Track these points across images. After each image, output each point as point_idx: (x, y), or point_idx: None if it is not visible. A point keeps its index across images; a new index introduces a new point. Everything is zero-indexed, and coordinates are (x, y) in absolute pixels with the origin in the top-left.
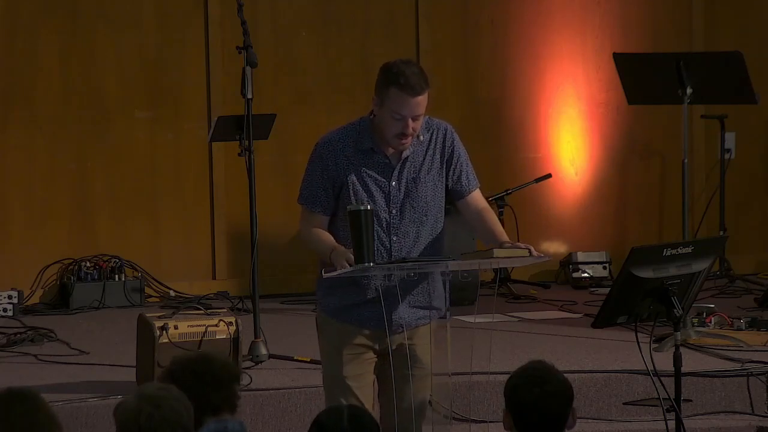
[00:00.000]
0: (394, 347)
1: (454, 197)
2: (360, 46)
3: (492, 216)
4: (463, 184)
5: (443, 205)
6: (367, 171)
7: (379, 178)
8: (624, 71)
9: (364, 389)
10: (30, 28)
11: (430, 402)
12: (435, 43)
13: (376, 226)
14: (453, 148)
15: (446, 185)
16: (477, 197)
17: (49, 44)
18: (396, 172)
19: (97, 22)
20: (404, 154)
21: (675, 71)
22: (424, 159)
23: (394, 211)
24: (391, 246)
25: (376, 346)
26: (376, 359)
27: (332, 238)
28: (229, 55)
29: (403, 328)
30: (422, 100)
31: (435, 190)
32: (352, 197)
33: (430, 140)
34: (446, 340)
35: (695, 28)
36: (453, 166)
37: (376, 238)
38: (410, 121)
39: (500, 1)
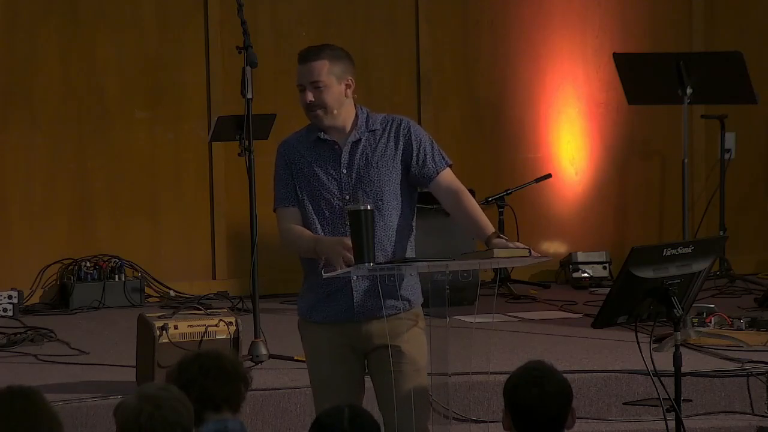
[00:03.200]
0: (373, 347)
1: (424, 182)
2: (360, 46)
3: (470, 200)
4: (429, 165)
5: (400, 195)
6: (318, 161)
7: (329, 166)
8: (624, 71)
9: (352, 388)
10: (30, 28)
11: (430, 403)
12: (435, 43)
13: (329, 214)
14: (410, 134)
15: (412, 174)
16: (448, 176)
17: (49, 44)
18: (344, 159)
19: (97, 22)
20: (351, 138)
21: (675, 71)
22: (376, 146)
23: (347, 197)
24: (347, 233)
25: (357, 344)
26: (363, 359)
27: (310, 232)
28: (229, 55)
29: (364, 315)
30: (315, 66)
31: (389, 176)
32: (305, 188)
33: (383, 131)
34: (446, 340)
35: (695, 28)
36: (416, 152)
37: (331, 226)
38: (308, 90)
39: (500, 1)
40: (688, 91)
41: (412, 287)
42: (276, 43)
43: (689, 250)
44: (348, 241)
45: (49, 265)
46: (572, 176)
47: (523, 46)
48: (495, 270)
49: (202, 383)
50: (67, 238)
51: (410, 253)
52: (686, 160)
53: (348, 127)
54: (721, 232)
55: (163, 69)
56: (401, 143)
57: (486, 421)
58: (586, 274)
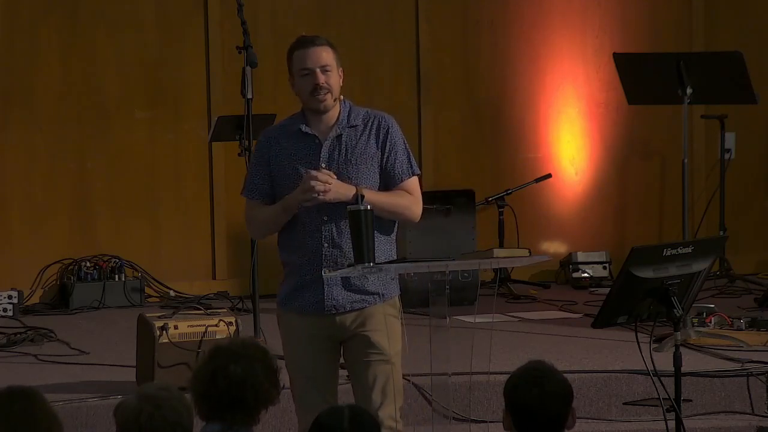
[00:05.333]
0: (346, 336)
1: (388, 185)
2: (360, 46)
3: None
4: (397, 171)
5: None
6: (297, 154)
7: (309, 159)
8: (624, 71)
9: (326, 376)
10: (30, 28)
11: (430, 403)
12: (435, 43)
13: (305, 207)
14: (388, 134)
15: (382, 172)
16: (408, 186)
17: (49, 44)
18: (324, 153)
19: (97, 22)
20: (332, 133)
21: (675, 71)
22: (357, 142)
23: None
24: (322, 226)
25: (331, 334)
26: (336, 349)
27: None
28: (229, 55)
29: (336, 309)
30: (323, 51)
31: (367, 174)
32: (283, 180)
33: (365, 127)
34: (446, 340)
35: (695, 28)
36: (387, 153)
37: (307, 221)
38: (318, 72)
39: (500, 1)
40: (688, 91)
41: (384, 281)
42: (276, 43)
43: (689, 250)
44: (312, 171)
45: (49, 265)
46: (572, 176)
47: (523, 46)
48: (495, 270)
49: (256, 374)
50: (67, 238)
51: (390, 249)
52: (686, 160)
53: (332, 121)
54: (721, 232)
55: (163, 69)
56: (380, 141)
57: (486, 421)
58: (586, 274)
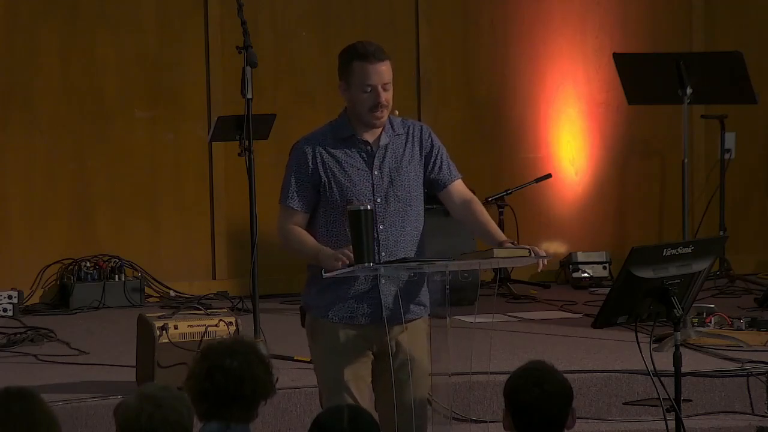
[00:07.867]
0: (385, 347)
1: (435, 189)
2: None
3: (481, 209)
4: (444, 173)
5: (423, 199)
6: (349, 161)
7: (362, 167)
8: (624, 71)
9: (363, 391)
10: (30, 28)
11: (430, 402)
12: (435, 43)
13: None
14: (431, 141)
15: (427, 178)
16: (460, 187)
17: (49, 44)
18: (377, 161)
19: (97, 22)
20: (382, 141)
21: (675, 71)
22: (404, 150)
23: (379, 200)
24: (378, 235)
25: (373, 346)
26: (372, 360)
27: (313, 239)
28: (229, 55)
29: (388, 321)
30: (385, 68)
31: (417, 180)
32: (335, 189)
33: (407, 135)
34: (446, 341)
35: (695, 28)
36: (433, 158)
37: None
38: (381, 90)
39: (500, 2)
40: (688, 91)
41: (427, 292)
42: (276, 43)
43: (689, 250)
44: (348, 251)
45: (49, 265)
46: (572, 176)
47: (523, 46)
48: (495, 270)
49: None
50: (67, 238)
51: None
52: (686, 160)
53: (378, 129)
54: (721, 232)
55: (163, 69)
56: (424, 148)
57: (486, 421)
58: (586, 274)
